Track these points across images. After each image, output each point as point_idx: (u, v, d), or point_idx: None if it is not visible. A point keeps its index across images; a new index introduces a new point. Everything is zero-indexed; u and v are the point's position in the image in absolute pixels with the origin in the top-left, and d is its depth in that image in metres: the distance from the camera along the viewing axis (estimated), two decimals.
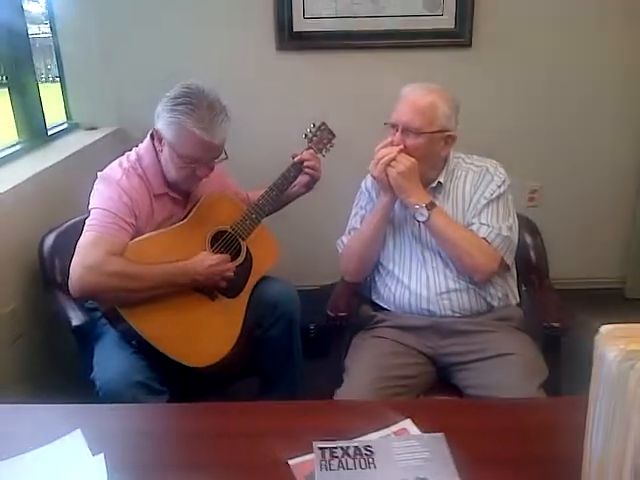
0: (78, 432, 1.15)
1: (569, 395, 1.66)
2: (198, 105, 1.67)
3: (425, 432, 1.13)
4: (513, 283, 1.85)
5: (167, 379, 1.72)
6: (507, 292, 1.81)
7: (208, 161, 1.76)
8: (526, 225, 2.00)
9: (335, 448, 1.07)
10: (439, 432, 1.11)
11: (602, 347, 0.87)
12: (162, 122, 1.73)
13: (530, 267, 1.99)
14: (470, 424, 1.17)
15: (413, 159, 1.71)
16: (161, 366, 1.70)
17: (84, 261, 1.62)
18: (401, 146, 1.72)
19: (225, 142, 1.77)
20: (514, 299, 1.84)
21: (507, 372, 1.58)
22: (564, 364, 1.73)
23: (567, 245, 2.79)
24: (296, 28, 2.84)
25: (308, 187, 2.06)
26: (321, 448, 1.07)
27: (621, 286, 3.27)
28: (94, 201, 1.74)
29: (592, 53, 2.90)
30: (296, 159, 2.00)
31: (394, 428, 1.14)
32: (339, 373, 1.75)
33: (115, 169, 1.79)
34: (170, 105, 1.70)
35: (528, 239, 2.00)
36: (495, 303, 1.77)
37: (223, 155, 1.80)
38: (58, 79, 2.96)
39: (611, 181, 3.13)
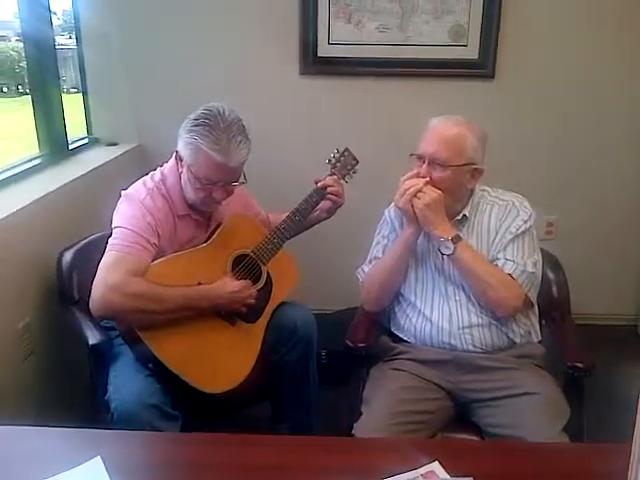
0: (98, 459, 1.12)
1: (589, 437, 1.65)
2: (215, 127, 1.67)
3: (453, 476, 1.10)
4: (535, 320, 1.83)
5: (180, 403, 1.69)
6: (529, 329, 1.79)
7: (225, 183, 1.74)
8: (549, 260, 1.98)
9: None
10: (468, 476, 1.08)
11: None
12: (181, 143, 1.73)
13: (552, 303, 1.96)
14: (499, 468, 1.15)
15: (439, 191, 1.70)
16: (175, 390, 1.68)
17: (106, 280, 1.61)
18: (427, 178, 1.72)
19: (244, 165, 1.76)
20: (536, 336, 1.82)
21: (530, 412, 1.56)
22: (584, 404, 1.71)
23: (581, 280, 2.77)
24: (320, 53, 2.84)
25: (330, 213, 2.05)
26: None
27: (635, 323, 3.23)
28: (117, 220, 1.74)
29: (615, 86, 2.90)
30: (319, 184, 2.00)
31: (422, 470, 1.11)
32: (355, 403, 1.73)
33: (139, 189, 1.79)
34: (189, 126, 1.71)
35: (550, 274, 1.98)
36: (517, 340, 1.75)
37: (242, 179, 1.78)
38: (74, 91, 2.97)
39: (628, 216, 3.12)
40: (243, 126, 1.73)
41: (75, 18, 2.83)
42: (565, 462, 1.20)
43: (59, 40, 3.02)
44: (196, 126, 1.68)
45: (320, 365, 2.13)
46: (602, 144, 3.00)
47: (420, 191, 1.70)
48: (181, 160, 1.75)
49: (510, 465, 1.18)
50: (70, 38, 2.95)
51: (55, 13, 2.95)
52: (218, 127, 1.67)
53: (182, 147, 1.73)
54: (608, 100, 2.93)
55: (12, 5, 2.37)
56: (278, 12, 2.82)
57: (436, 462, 1.13)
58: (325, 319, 2.49)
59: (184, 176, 1.76)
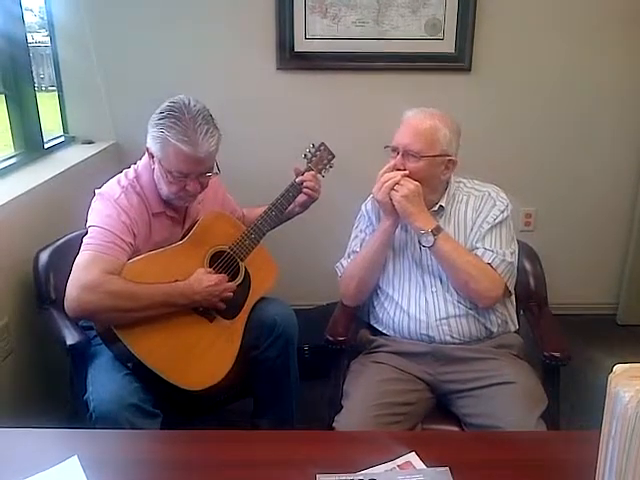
0: (75, 459, 1.12)
1: (567, 425, 1.67)
2: (180, 118, 1.66)
3: (430, 466, 1.11)
4: (512, 309, 1.85)
5: (161, 401, 1.69)
6: (507, 319, 1.81)
7: (197, 175, 1.72)
8: (526, 251, 2.00)
9: None
10: (444, 466, 1.09)
11: (616, 386, 0.86)
12: (149, 138, 1.72)
13: (529, 294, 1.98)
14: (475, 458, 1.16)
15: (417, 183, 1.70)
16: (155, 388, 1.67)
17: (81, 280, 1.59)
18: (406, 171, 1.72)
19: (214, 155, 1.74)
20: (513, 326, 1.84)
21: (508, 401, 1.57)
22: (561, 392, 1.73)
23: (561, 270, 2.80)
24: (297, 48, 2.83)
25: (304, 207, 2.04)
26: None
27: (613, 312, 3.27)
28: (92, 219, 1.72)
29: (591, 80, 2.93)
30: (297, 179, 1.99)
31: (399, 461, 1.12)
32: (335, 396, 1.74)
33: (114, 187, 1.77)
34: (155, 120, 1.69)
35: (528, 265, 2.00)
36: (494, 329, 1.76)
37: (215, 169, 1.77)
38: (52, 89, 2.93)
39: (605, 208, 3.15)
40: (210, 116, 1.72)
41: (48, 15, 2.79)
42: (541, 450, 1.21)
43: (37, 37, 2.98)
44: (162, 119, 1.67)
45: (303, 360, 2.13)
46: (580, 136, 3.03)
47: (398, 183, 1.71)
48: (152, 155, 1.73)
49: (486, 454, 1.19)
50: (47, 35, 2.91)
51: (31, 10, 2.91)
52: (184, 118, 1.66)
53: (151, 142, 1.71)
54: (586, 92, 2.95)
55: None
56: (254, 7, 2.81)
57: (413, 453, 1.14)
58: (307, 314, 2.49)
59: (156, 171, 1.75)
